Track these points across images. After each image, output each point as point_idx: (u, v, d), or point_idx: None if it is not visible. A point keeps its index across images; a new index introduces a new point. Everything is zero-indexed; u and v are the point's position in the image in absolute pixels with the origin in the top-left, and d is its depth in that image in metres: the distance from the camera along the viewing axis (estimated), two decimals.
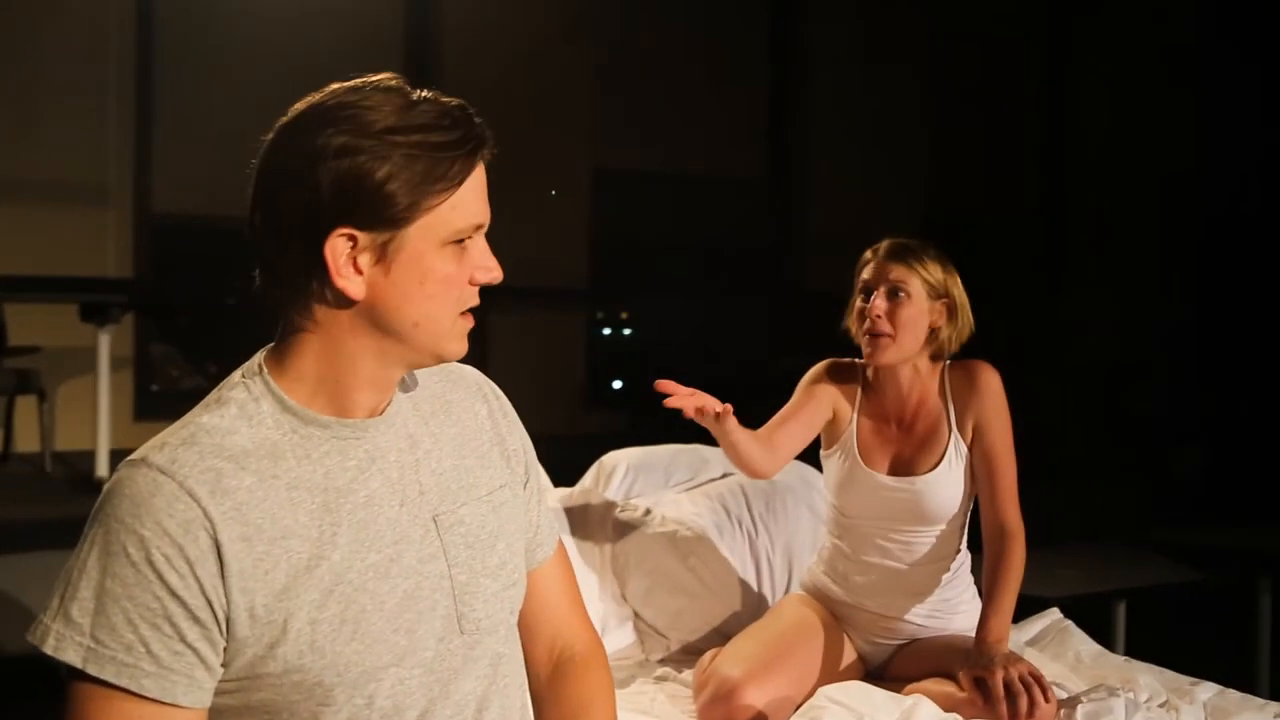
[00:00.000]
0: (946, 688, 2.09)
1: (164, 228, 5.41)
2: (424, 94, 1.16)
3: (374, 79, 1.17)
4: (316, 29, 5.45)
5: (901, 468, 2.26)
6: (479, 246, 1.19)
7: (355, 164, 1.10)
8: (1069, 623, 2.61)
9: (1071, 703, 2.08)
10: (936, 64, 7.04)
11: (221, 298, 5.65)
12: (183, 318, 5.66)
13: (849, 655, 2.29)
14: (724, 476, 2.84)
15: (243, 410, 1.16)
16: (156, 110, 5.34)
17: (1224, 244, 6.82)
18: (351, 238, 1.12)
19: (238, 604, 1.09)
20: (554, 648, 1.41)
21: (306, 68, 5.41)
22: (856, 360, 2.35)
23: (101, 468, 4.01)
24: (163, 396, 5.51)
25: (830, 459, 2.33)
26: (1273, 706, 2.16)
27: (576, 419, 5.90)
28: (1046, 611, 2.63)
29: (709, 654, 2.29)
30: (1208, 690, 2.24)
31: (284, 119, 1.15)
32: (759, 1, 6.86)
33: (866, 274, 2.27)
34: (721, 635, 2.50)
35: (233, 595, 1.09)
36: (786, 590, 2.61)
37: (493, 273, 1.20)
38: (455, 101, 1.17)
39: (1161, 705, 2.15)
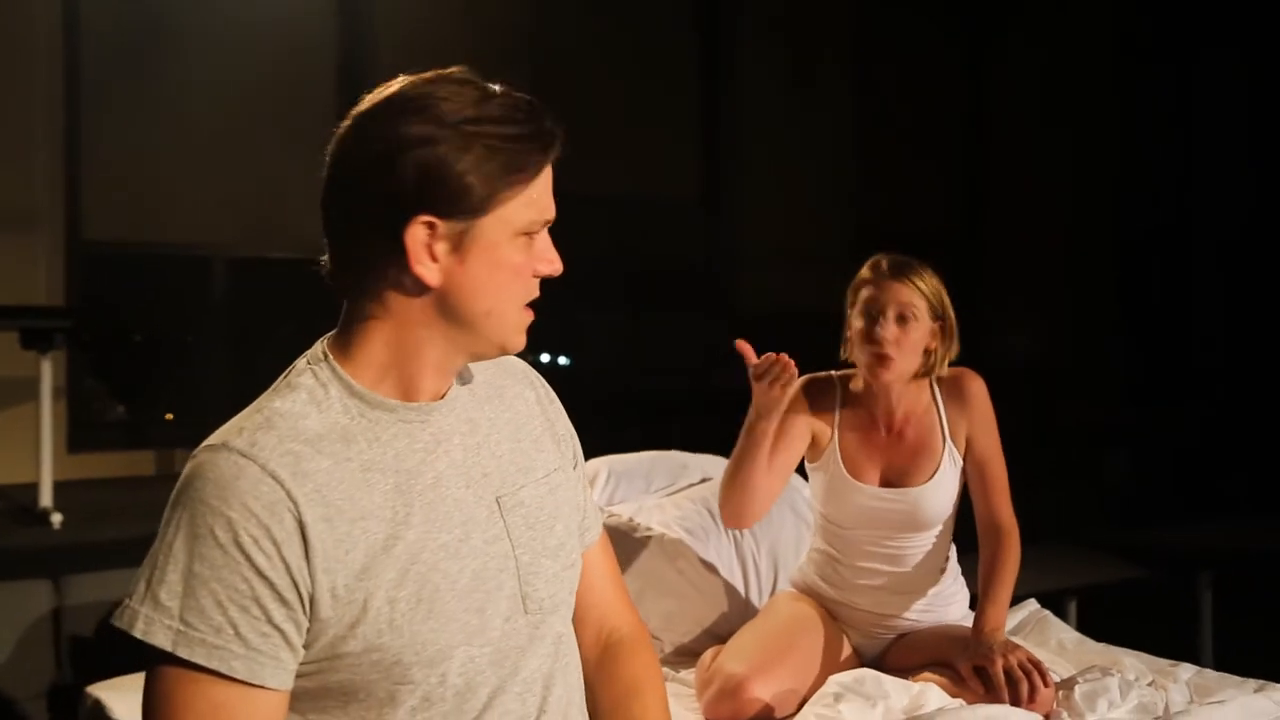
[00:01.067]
0: (945, 676, 2.13)
1: (96, 255, 5.28)
2: (497, 87, 1.18)
3: (446, 72, 1.19)
4: (248, 53, 5.39)
5: (894, 479, 2.27)
6: (543, 240, 1.22)
7: (437, 153, 1.12)
8: (1047, 612, 2.67)
9: (1068, 684, 2.13)
10: (863, 84, 7.20)
11: (162, 328, 5.55)
12: (121, 349, 5.53)
13: (846, 648, 2.32)
14: (703, 481, 2.87)
15: (312, 395, 1.17)
16: (86, 135, 5.23)
17: (1143, 254, 7.06)
18: (431, 225, 1.13)
19: (321, 584, 1.10)
20: (602, 630, 1.42)
21: (238, 91, 5.37)
22: (831, 374, 2.36)
23: (45, 498, 3.89)
24: (98, 428, 5.37)
25: (816, 473, 2.35)
26: (1251, 682, 2.24)
27: None
28: (1024, 603, 2.69)
29: (709, 652, 2.31)
30: (1187, 670, 2.31)
31: (360, 109, 1.16)
32: (688, 25, 6.95)
33: (869, 294, 2.25)
34: (713, 636, 2.52)
35: (317, 576, 1.09)
36: (773, 591, 2.64)
37: (555, 265, 1.23)
38: (528, 97, 1.19)
39: (1149, 684, 2.22)
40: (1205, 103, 6.66)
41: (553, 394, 1.41)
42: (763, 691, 2.11)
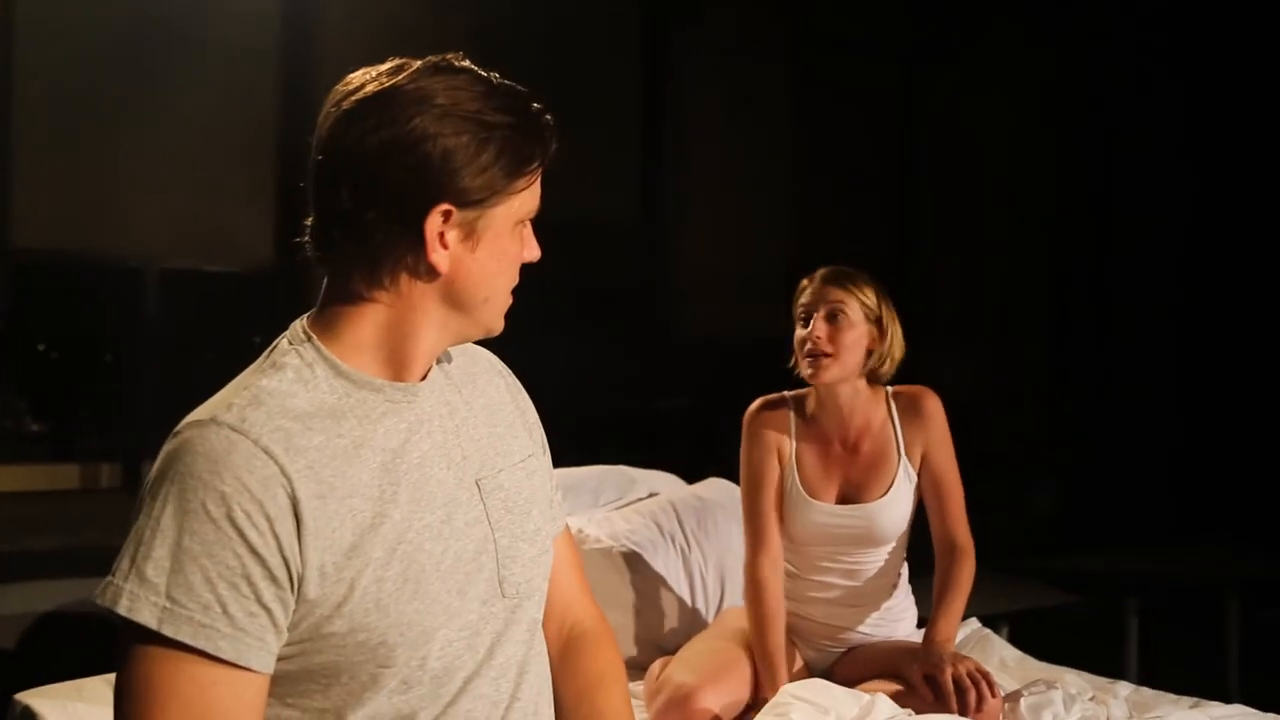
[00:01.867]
0: (893, 687, 2.15)
1: (24, 264, 5.15)
2: (496, 77, 1.20)
3: (445, 58, 1.19)
4: (186, 62, 5.32)
5: (851, 494, 2.30)
6: (529, 228, 1.24)
7: (461, 144, 1.13)
8: (988, 631, 2.72)
9: (1014, 697, 2.16)
10: (801, 115, 7.30)
11: (91, 338, 5.42)
12: (47, 359, 5.39)
13: (797, 661, 2.33)
14: (650, 496, 2.87)
15: (298, 374, 1.16)
16: (17, 140, 5.11)
17: (1071, 290, 7.22)
18: (447, 214, 1.14)
19: (311, 563, 1.08)
20: (565, 623, 1.42)
21: (175, 100, 5.30)
22: (784, 394, 2.39)
23: None
24: (19, 441, 5.22)
25: None
26: (1186, 700, 2.29)
27: None
28: (966, 621, 2.72)
29: (658, 663, 2.31)
30: (1126, 688, 2.37)
31: (357, 95, 1.15)
32: (630, 50, 7.01)
33: (805, 299, 2.32)
34: (659, 649, 2.52)
35: (307, 554, 1.08)
36: (720, 604, 2.65)
37: (536, 252, 1.26)
38: (524, 89, 1.21)
39: (1090, 699, 2.26)
40: (1140, 125, 6.85)
41: (519, 385, 1.42)
42: (711, 702, 2.12)
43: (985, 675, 2.08)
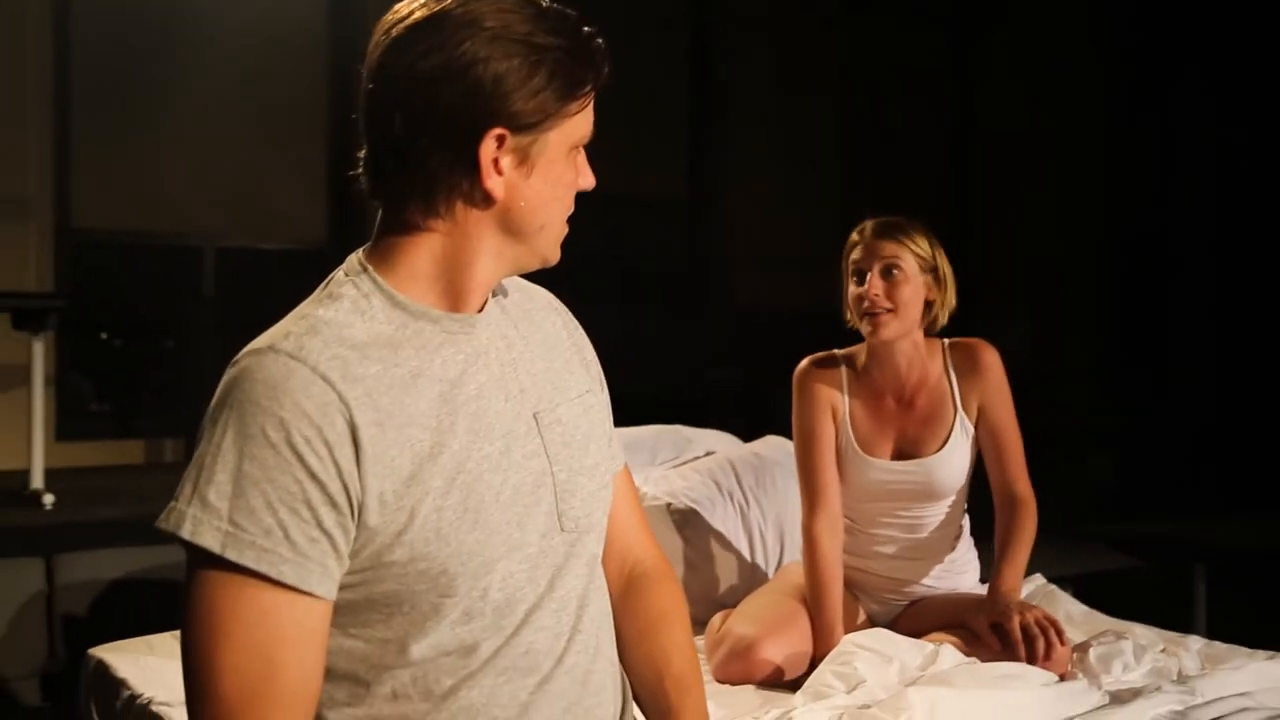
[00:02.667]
0: (958, 638, 2.13)
1: (86, 244, 5.24)
2: (544, 1, 1.18)
3: None
4: (239, 44, 5.37)
5: (907, 449, 2.27)
6: (583, 156, 1.22)
7: (512, 67, 1.11)
8: (1053, 586, 2.68)
9: (1083, 647, 2.13)
10: (850, 85, 7.23)
11: (152, 316, 5.51)
12: (110, 337, 5.49)
13: (860, 615, 2.32)
14: (707, 455, 2.86)
15: (355, 305, 1.15)
16: (77, 124, 5.19)
17: (1127, 258, 7.10)
18: (501, 139, 1.13)
19: (370, 490, 1.08)
20: (626, 562, 1.41)
21: (229, 81, 5.34)
22: (835, 351, 2.36)
23: (36, 479, 3.85)
24: (86, 418, 5.32)
25: None
26: (1261, 653, 2.24)
27: None
28: (1030, 578, 2.69)
29: (718, 616, 2.30)
30: (1197, 641, 2.32)
31: (406, 21, 1.14)
32: (679, 25, 6.97)
33: (856, 255, 2.27)
34: (718, 606, 2.50)
35: (367, 481, 1.08)
36: (780, 561, 2.63)
37: (592, 180, 1.24)
38: (575, 13, 1.19)
39: (1161, 651, 2.22)
40: (1183, 113, 6.73)
41: (576, 323, 1.41)
42: (773, 653, 2.10)
43: (1053, 623, 2.06)
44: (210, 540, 1.04)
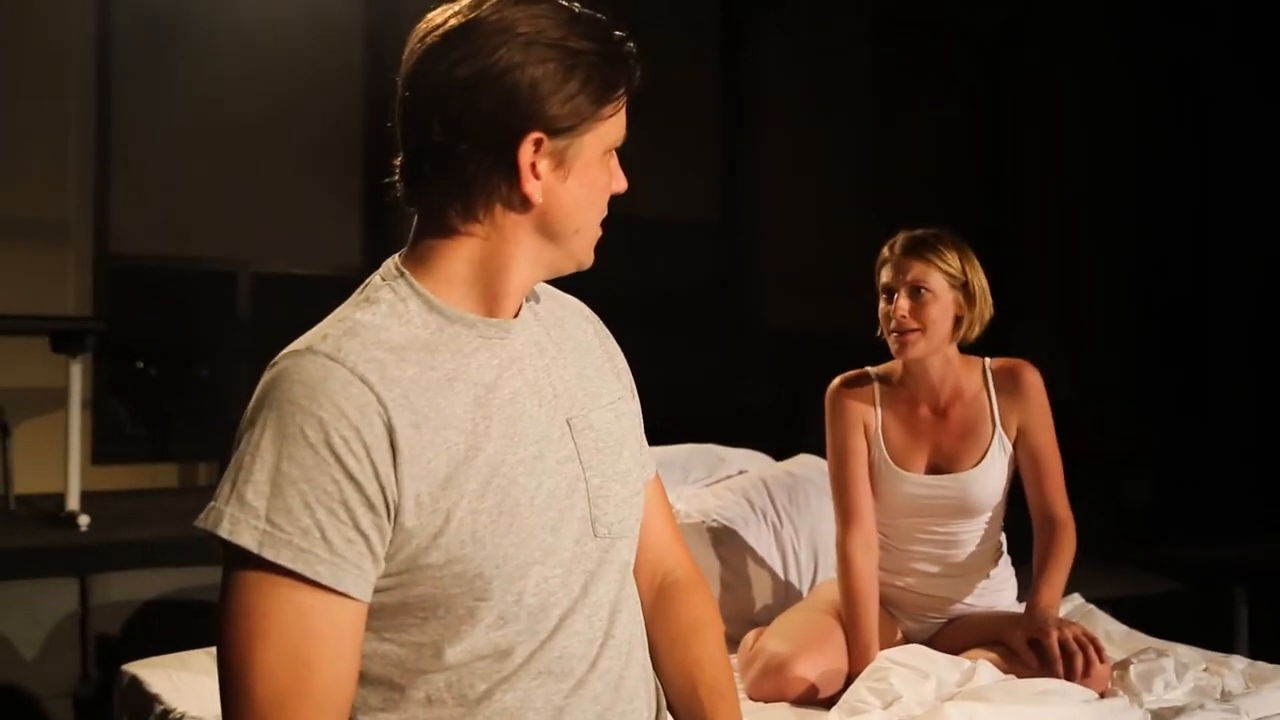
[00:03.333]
0: (996, 654, 2.10)
1: (123, 269, 5.30)
2: (577, 5, 1.19)
3: None
4: (275, 73, 5.43)
5: (942, 463, 2.25)
6: (615, 159, 1.23)
7: (548, 71, 1.12)
8: (1092, 606, 2.64)
9: (1123, 665, 2.10)
10: (882, 110, 7.22)
11: (188, 341, 5.55)
12: (146, 361, 5.54)
13: (895, 633, 2.29)
14: (740, 474, 2.85)
15: (392, 309, 1.16)
16: (116, 150, 5.26)
17: (1161, 280, 7.04)
18: (538, 143, 1.14)
19: (407, 491, 1.08)
20: (657, 570, 1.40)
21: (266, 110, 5.40)
22: (867, 369, 2.34)
23: (73, 501, 3.88)
24: (121, 441, 5.36)
25: None
26: None
27: None
28: (1069, 597, 2.65)
29: (752, 633, 2.28)
30: (1241, 661, 2.27)
31: (441, 29, 1.15)
32: (709, 46, 7.00)
33: (885, 275, 2.25)
34: (752, 625, 2.49)
35: (403, 482, 1.08)
36: (814, 580, 2.61)
37: (623, 183, 1.25)
38: (604, 17, 1.20)
39: (1204, 670, 2.18)
40: (1222, 125, 6.68)
41: (608, 332, 1.41)
42: (807, 670, 2.08)
43: (1093, 640, 2.03)
44: (248, 539, 1.04)
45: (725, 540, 2.56)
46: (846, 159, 7.07)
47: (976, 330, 2.28)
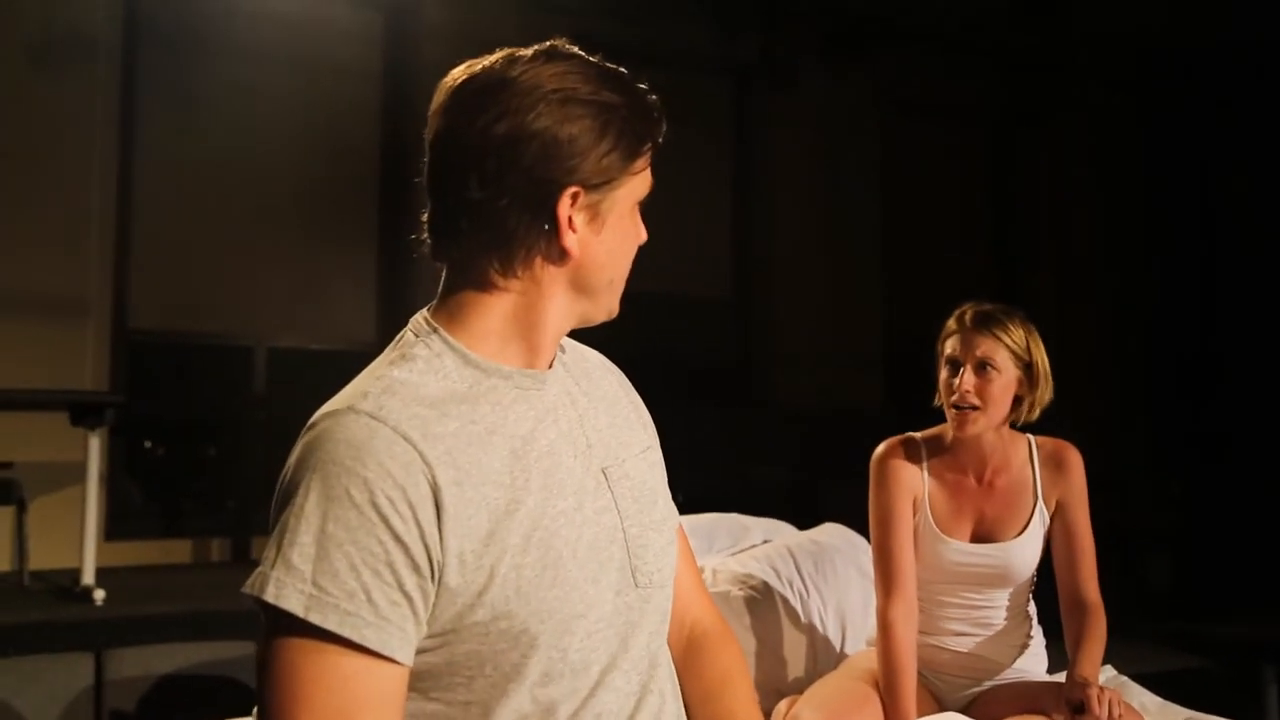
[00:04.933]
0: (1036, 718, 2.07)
1: (141, 344, 5.32)
2: (601, 59, 1.21)
3: (550, 45, 1.20)
4: (292, 152, 5.51)
5: (985, 533, 2.24)
6: (638, 213, 1.25)
7: (585, 128, 1.14)
8: (1125, 678, 2.60)
9: None
10: (891, 188, 7.29)
11: (203, 416, 5.55)
12: (162, 437, 5.54)
13: (929, 704, 2.25)
14: (764, 543, 2.82)
15: (429, 365, 1.16)
16: (136, 227, 5.32)
17: (1173, 362, 7.04)
18: (575, 196, 1.15)
19: (450, 549, 1.07)
20: (685, 621, 1.39)
21: (283, 188, 5.47)
22: (913, 435, 2.33)
23: (88, 575, 3.85)
24: (135, 518, 5.33)
25: None
26: None
27: None
28: (1103, 668, 2.61)
29: (784, 702, 2.25)
30: None
31: (467, 86, 1.16)
32: (723, 122, 7.08)
33: (950, 347, 2.25)
34: (780, 695, 2.45)
35: (447, 541, 1.07)
36: (841, 648, 2.57)
37: (643, 234, 1.26)
38: (626, 72, 1.22)
39: None
40: (1227, 188, 6.73)
41: (630, 384, 1.42)
42: None
43: (1130, 710, 1.99)
44: (294, 604, 1.02)
45: (753, 609, 2.53)
46: (859, 233, 7.12)
47: (1035, 413, 2.27)
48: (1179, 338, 7.00)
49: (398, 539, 1.04)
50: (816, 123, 6.99)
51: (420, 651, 1.08)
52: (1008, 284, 7.58)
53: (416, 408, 1.10)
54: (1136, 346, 7.20)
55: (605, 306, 1.23)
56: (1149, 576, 6.24)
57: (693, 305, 6.94)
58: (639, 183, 1.20)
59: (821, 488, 5.86)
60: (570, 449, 1.19)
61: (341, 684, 1.02)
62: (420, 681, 1.10)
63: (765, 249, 7.09)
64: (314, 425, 1.11)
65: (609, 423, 1.27)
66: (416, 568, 1.05)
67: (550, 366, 1.22)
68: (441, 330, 1.18)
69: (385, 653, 1.03)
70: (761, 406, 6.85)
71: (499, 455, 1.12)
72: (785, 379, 6.95)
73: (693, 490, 6.37)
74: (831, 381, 6.80)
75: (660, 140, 1.21)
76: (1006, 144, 7.62)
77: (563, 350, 1.29)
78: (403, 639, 1.05)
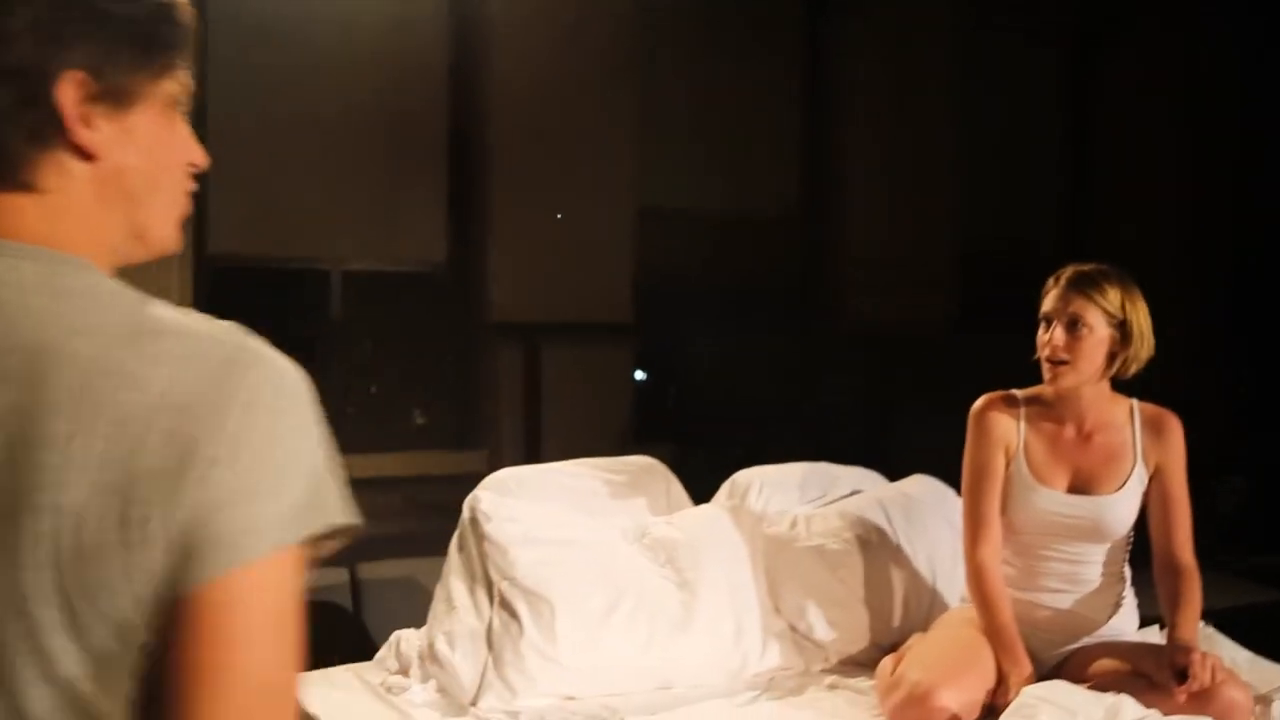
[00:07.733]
0: (1131, 686, 2.11)
1: (221, 269, 5.40)
2: None
3: None
4: (360, 70, 5.49)
5: (1082, 485, 2.30)
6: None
7: None
8: (1211, 629, 2.63)
9: (1264, 700, 2.10)
10: (966, 102, 7.15)
11: (280, 341, 5.64)
12: None
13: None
14: (853, 494, 2.86)
15: None
16: (211, 150, 5.35)
17: (1256, 279, 6.92)
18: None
19: None
20: None
21: (352, 107, 5.45)
22: (1014, 391, 2.39)
23: None
24: None
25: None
26: None
27: (626, 451, 5.89)
28: None
29: (889, 659, 2.31)
30: None
31: None
32: (791, 39, 6.96)
33: (1047, 305, 2.32)
34: (877, 647, 2.52)
35: None
36: (933, 601, 2.63)
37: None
38: None
39: None
40: None
41: None
42: (950, 700, 2.11)
43: (1233, 674, 2.05)
44: None
45: (845, 563, 2.58)
46: (930, 150, 7.01)
47: (1133, 369, 2.32)
48: (1266, 258, 6.87)
49: None
50: (887, 35, 6.85)
51: None
52: (1084, 195, 7.46)
53: None
54: (1222, 268, 7.07)
55: None
56: (1223, 504, 6.22)
57: (760, 224, 6.89)
58: None
59: (887, 408, 5.88)
60: None
61: None
62: None
63: (834, 163, 7.01)
64: None
65: None
66: None
67: None
68: None
69: None
70: (827, 326, 6.83)
71: None
72: (852, 298, 6.92)
73: (759, 413, 6.42)
74: (901, 300, 6.76)
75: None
76: (1087, 59, 7.42)
77: None
78: None
